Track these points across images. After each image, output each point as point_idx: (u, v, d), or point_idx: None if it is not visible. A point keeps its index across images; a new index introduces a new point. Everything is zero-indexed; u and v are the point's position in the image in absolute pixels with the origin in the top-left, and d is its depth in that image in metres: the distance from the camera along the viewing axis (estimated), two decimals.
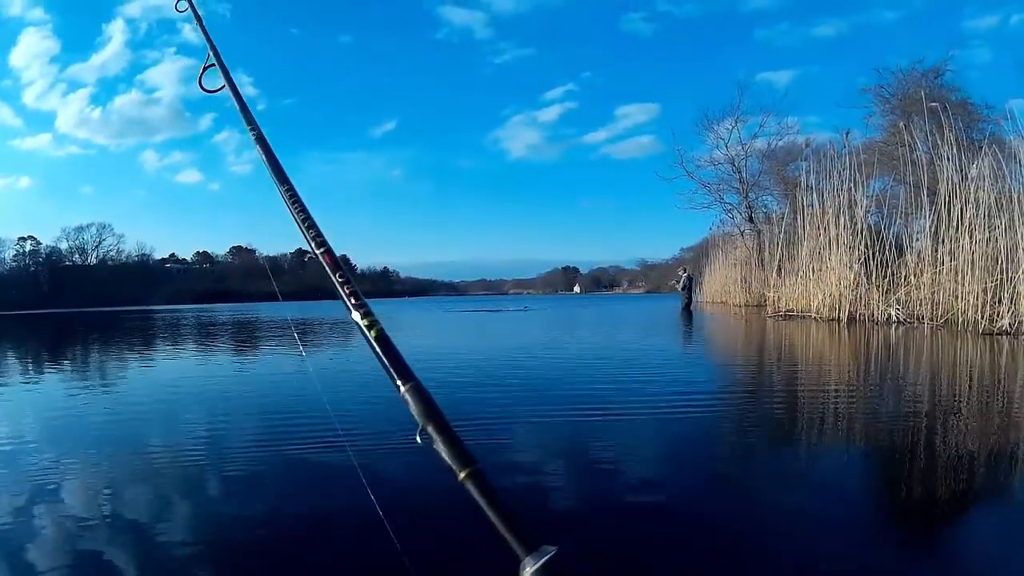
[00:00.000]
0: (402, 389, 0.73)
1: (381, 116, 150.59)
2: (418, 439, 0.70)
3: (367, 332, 0.78)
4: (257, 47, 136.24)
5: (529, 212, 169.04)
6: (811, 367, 8.26)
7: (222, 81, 1.47)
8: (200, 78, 1.53)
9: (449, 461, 0.68)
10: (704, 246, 38.38)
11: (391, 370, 0.75)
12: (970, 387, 6.43)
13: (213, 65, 1.53)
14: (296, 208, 1.00)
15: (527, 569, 0.60)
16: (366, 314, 0.79)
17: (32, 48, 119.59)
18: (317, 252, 0.89)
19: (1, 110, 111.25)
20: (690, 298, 25.51)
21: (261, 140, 1.25)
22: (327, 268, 0.86)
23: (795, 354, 10.07)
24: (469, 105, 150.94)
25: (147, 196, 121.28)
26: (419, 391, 0.73)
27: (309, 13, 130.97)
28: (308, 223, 0.96)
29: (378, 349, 0.76)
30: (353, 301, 0.81)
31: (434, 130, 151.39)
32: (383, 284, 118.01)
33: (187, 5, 1.79)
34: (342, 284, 0.83)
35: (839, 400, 5.78)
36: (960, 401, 5.73)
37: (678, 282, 25.58)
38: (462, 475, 0.66)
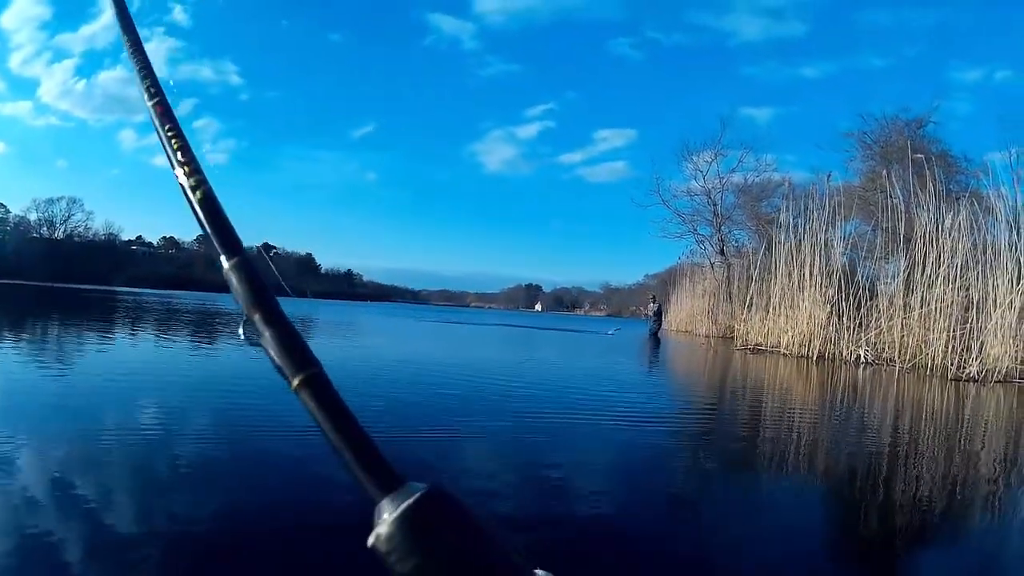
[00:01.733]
0: (226, 265, 0.58)
1: (361, 118, 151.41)
2: (240, 334, 0.54)
3: (191, 194, 0.62)
4: (246, 35, 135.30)
5: (497, 227, 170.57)
6: (791, 402, 8.37)
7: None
8: None
9: (280, 363, 0.51)
10: (671, 274, 38.79)
11: (215, 240, 0.59)
12: (931, 429, 6.52)
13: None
14: (132, 48, 0.77)
15: (384, 515, 0.44)
16: (193, 172, 0.63)
17: (24, 12, 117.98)
18: (149, 104, 0.70)
19: None
20: (659, 326, 25.59)
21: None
22: (155, 121, 0.69)
23: (773, 389, 10.12)
24: (449, 115, 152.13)
25: (120, 175, 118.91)
26: (245, 267, 0.58)
27: (301, 6, 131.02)
28: (145, 72, 0.74)
29: (201, 215, 0.61)
30: (180, 157, 0.65)
31: (412, 137, 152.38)
32: (345, 286, 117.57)
33: None
34: (171, 138, 0.67)
35: (802, 433, 5.90)
36: (913, 442, 5.76)
37: (647, 309, 25.72)
38: (295, 382, 0.50)
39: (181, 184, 0.63)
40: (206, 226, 0.60)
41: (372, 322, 24.75)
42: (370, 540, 0.44)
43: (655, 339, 22.95)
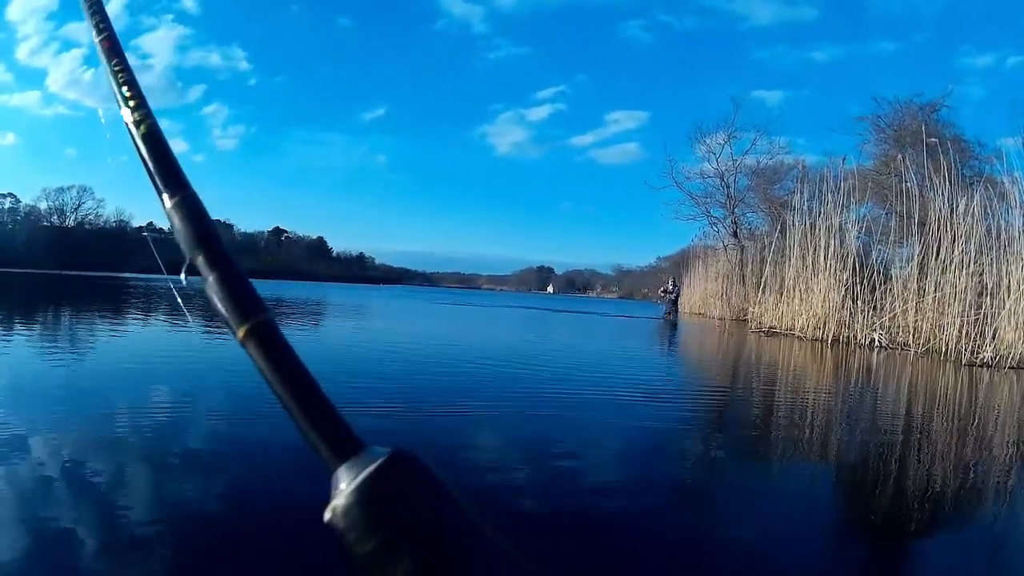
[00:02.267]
0: (168, 204, 0.52)
1: (371, 102, 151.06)
2: (182, 279, 0.48)
3: (134, 130, 0.57)
4: (255, 20, 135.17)
5: (508, 209, 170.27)
6: (807, 383, 8.50)
7: None
8: None
9: (224, 311, 0.45)
10: (683, 257, 38.68)
11: (158, 177, 0.54)
12: (944, 413, 6.53)
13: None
14: None
15: (341, 485, 0.39)
16: (138, 107, 0.59)
17: (30, 2, 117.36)
18: (97, 40, 0.66)
19: None
20: (675, 308, 25.17)
21: None
22: (102, 56, 0.64)
23: (789, 370, 10.16)
24: (460, 98, 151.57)
25: (129, 162, 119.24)
26: (189, 205, 0.51)
27: None
28: (94, 8, 0.69)
29: (144, 151, 0.56)
30: (126, 92, 0.60)
31: (422, 120, 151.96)
32: (357, 269, 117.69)
33: None
34: (117, 72, 0.62)
35: (818, 415, 5.93)
36: (926, 425, 5.79)
37: (666, 292, 25.14)
38: (241, 332, 0.44)
39: (126, 121, 0.59)
40: (148, 162, 0.55)
41: (392, 306, 24.86)
42: (326, 515, 0.39)
43: (671, 323, 22.55)
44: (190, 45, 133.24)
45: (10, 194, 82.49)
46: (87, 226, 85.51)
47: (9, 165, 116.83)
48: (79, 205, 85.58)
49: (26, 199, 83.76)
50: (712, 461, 4.15)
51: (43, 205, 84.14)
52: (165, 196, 0.52)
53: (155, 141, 0.56)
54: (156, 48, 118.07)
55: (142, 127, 0.56)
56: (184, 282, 0.47)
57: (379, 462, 0.39)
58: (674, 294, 25.10)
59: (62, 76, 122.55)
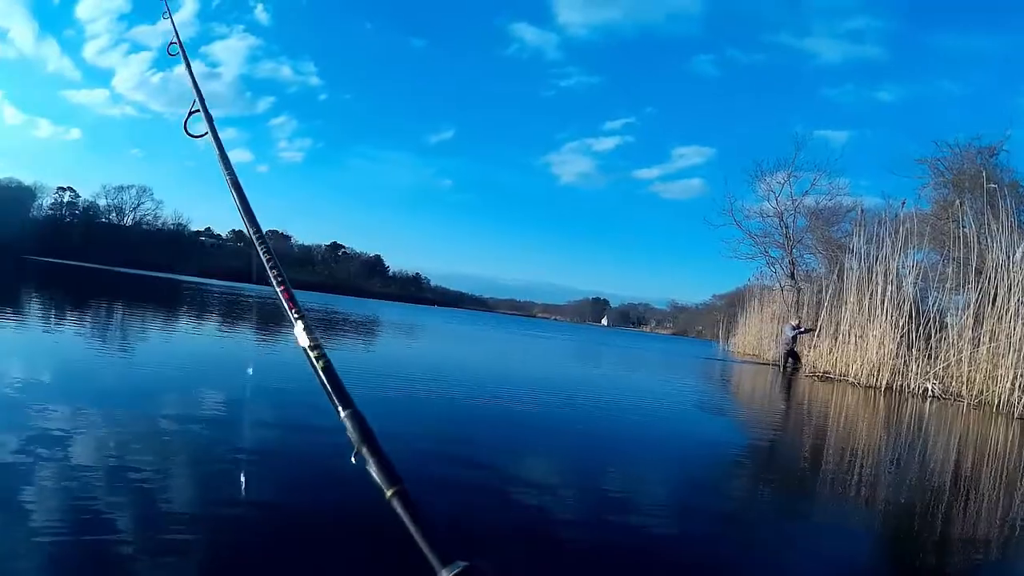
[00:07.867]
0: (342, 415, 0.80)
1: (439, 124, 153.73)
2: (353, 460, 0.76)
3: (315, 361, 0.85)
4: (328, 35, 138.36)
5: (567, 238, 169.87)
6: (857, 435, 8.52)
7: (205, 128, 1.49)
8: (185, 123, 1.54)
9: (379, 480, 0.74)
10: (739, 296, 38.11)
11: (333, 397, 0.82)
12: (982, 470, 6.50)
13: (198, 111, 1.55)
14: (262, 248, 1.06)
15: None
16: (315, 346, 0.87)
17: (101, 2, 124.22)
18: (278, 290, 0.97)
19: (61, 60, 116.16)
20: (793, 360, 19.85)
21: (236, 185, 1.28)
22: (284, 304, 0.95)
23: (839, 421, 10.20)
24: (527, 125, 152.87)
25: (195, 167, 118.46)
26: (356, 417, 0.79)
27: (385, 9, 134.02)
28: (272, 263, 1.02)
29: (323, 377, 0.83)
30: (308, 340, 0.88)
31: (489, 145, 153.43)
32: (413, 289, 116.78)
33: (179, 50, 1.82)
34: (297, 319, 0.91)
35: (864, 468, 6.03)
36: (963, 483, 5.72)
37: (793, 341, 19.92)
38: (389, 493, 0.72)
39: (307, 355, 0.87)
40: (327, 385, 0.83)
41: (490, 335, 25.74)
42: None
43: (785, 373, 18.96)
44: (261, 56, 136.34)
45: (70, 188, 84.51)
46: (144, 226, 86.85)
47: (72, 160, 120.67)
48: (138, 205, 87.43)
49: (85, 194, 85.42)
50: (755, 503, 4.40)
51: (102, 202, 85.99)
52: (340, 408, 0.81)
53: (330, 370, 0.84)
54: (226, 56, 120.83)
55: (321, 361, 0.85)
56: (354, 460, 0.77)
57: (462, 567, 0.66)
58: (794, 336, 20.12)
59: (130, 77, 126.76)
